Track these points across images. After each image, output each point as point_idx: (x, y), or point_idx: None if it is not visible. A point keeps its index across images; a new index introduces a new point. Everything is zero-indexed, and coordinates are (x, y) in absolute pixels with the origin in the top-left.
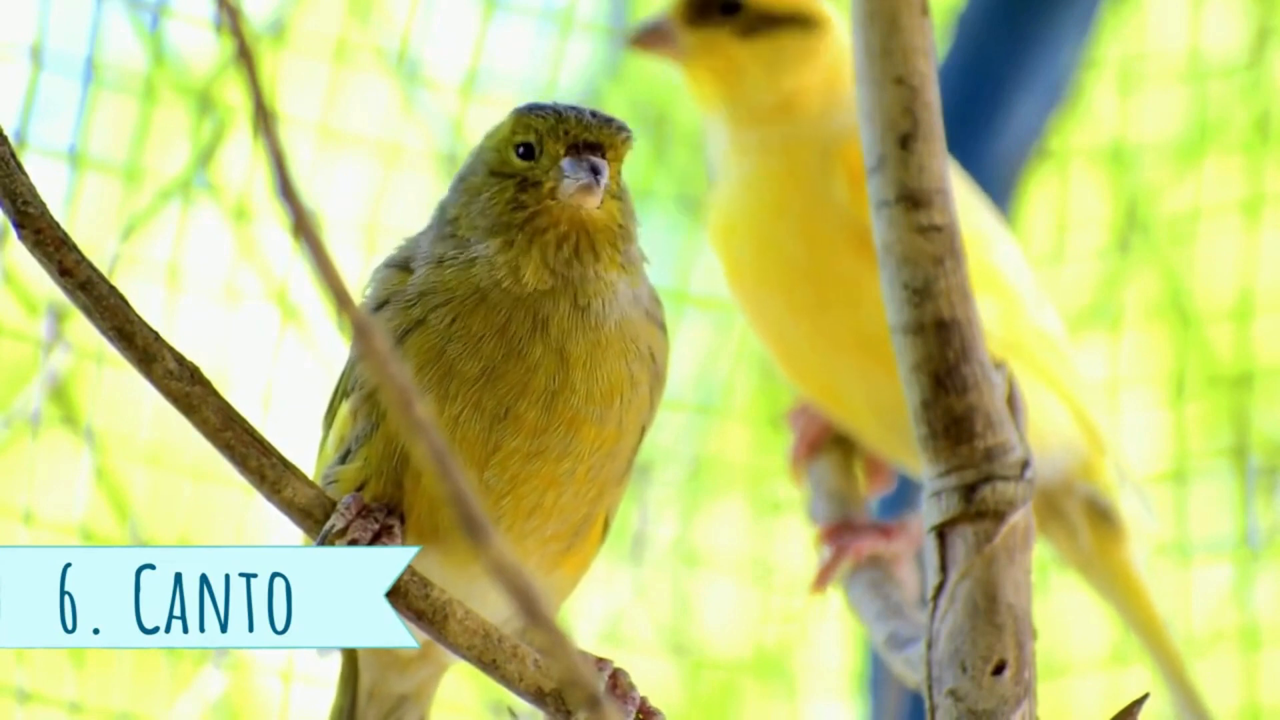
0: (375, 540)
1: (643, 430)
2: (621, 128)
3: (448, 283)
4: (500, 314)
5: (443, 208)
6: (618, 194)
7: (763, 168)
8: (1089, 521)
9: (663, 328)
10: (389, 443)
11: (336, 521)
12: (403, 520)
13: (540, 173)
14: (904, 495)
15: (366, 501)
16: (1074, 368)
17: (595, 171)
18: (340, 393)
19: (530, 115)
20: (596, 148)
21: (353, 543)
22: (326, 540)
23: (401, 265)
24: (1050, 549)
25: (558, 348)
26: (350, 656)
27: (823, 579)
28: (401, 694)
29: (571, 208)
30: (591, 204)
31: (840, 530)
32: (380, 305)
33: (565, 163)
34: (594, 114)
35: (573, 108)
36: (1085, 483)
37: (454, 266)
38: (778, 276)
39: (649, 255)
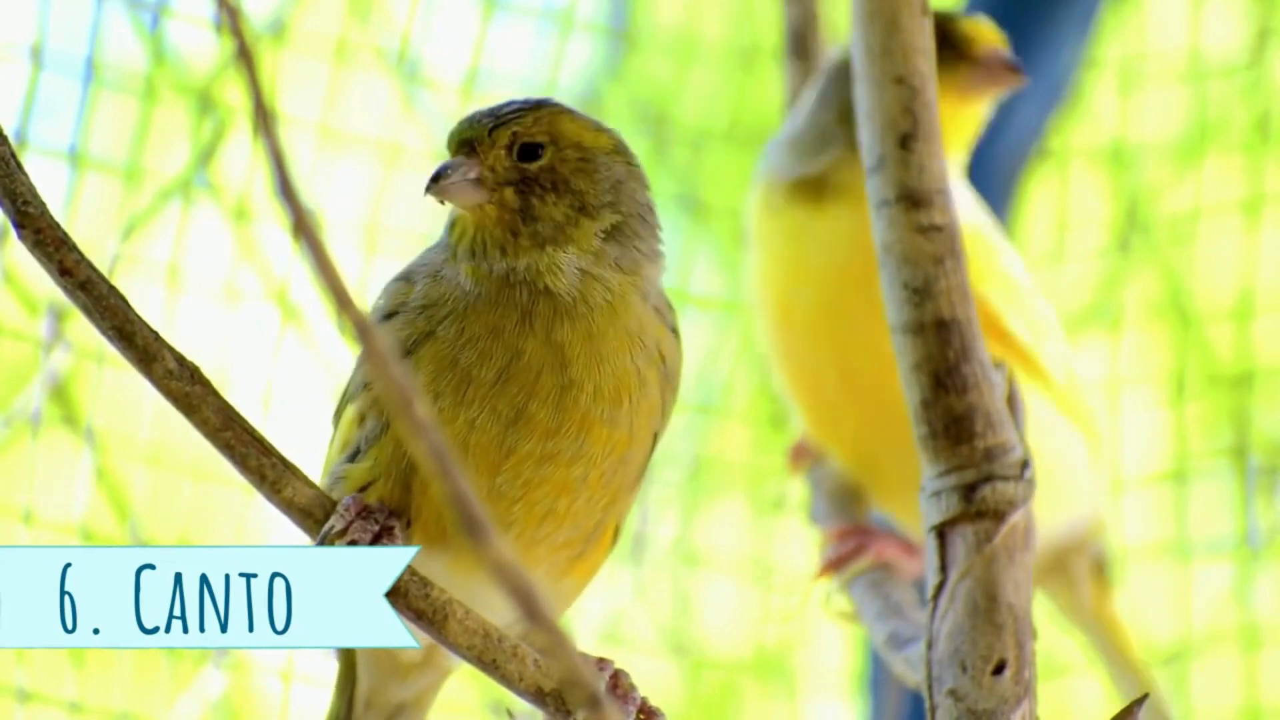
0: (375, 541)
1: (655, 437)
2: (496, 116)
3: (446, 295)
4: (492, 317)
5: None
6: (512, 180)
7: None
8: (1092, 579)
9: (675, 332)
10: (398, 445)
11: (336, 523)
12: (407, 522)
13: None
14: None
15: (368, 502)
16: (1086, 398)
17: (436, 175)
18: (347, 395)
19: None
20: (467, 144)
21: (352, 544)
22: (325, 541)
23: (406, 278)
24: (1049, 602)
25: (544, 338)
26: (348, 662)
27: (832, 566)
28: (400, 702)
29: (461, 209)
30: (461, 202)
31: (857, 531)
32: (389, 316)
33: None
34: (491, 110)
35: (485, 109)
36: (1096, 540)
37: (449, 278)
38: (838, 350)
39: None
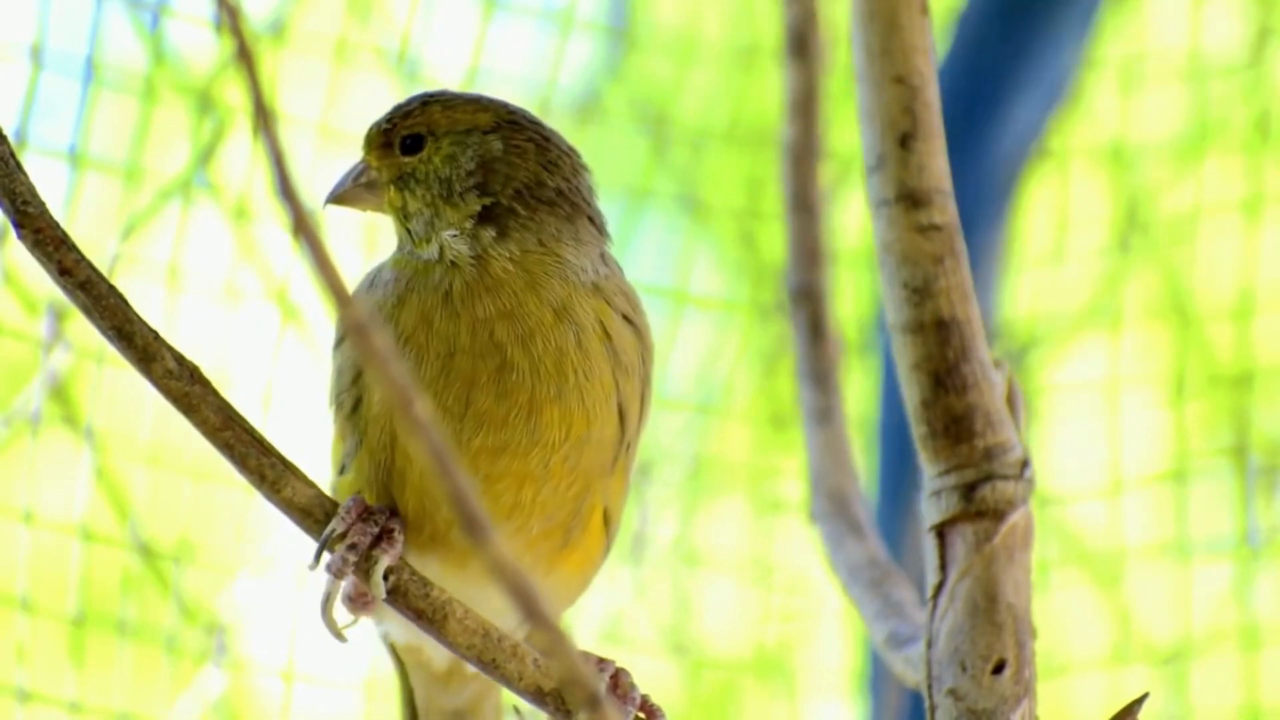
0: (376, 543)
1: (622, 417)
2: (385, 118)
3: (381, 300)
4: (417, 303)
5: None
6: (393, 177)
7: None
8: None
9: (628, 319)
10: (373, 455)
11: (336, 526)
12: (404, 523)
13: None
14: (904, 494)
15: (370, 504)
16: None
17: (334, 187)
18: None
19: None
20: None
21: (352, 547)
22: (327, 545)
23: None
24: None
25: (468, 318)
26: (403, 673)
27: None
28: (455, 709)
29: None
30: (360, 207)
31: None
32: (338, 344)
33: None
34: (386, 111)
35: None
36: None
37: (380, 283)
38: None
39: (649, 251)
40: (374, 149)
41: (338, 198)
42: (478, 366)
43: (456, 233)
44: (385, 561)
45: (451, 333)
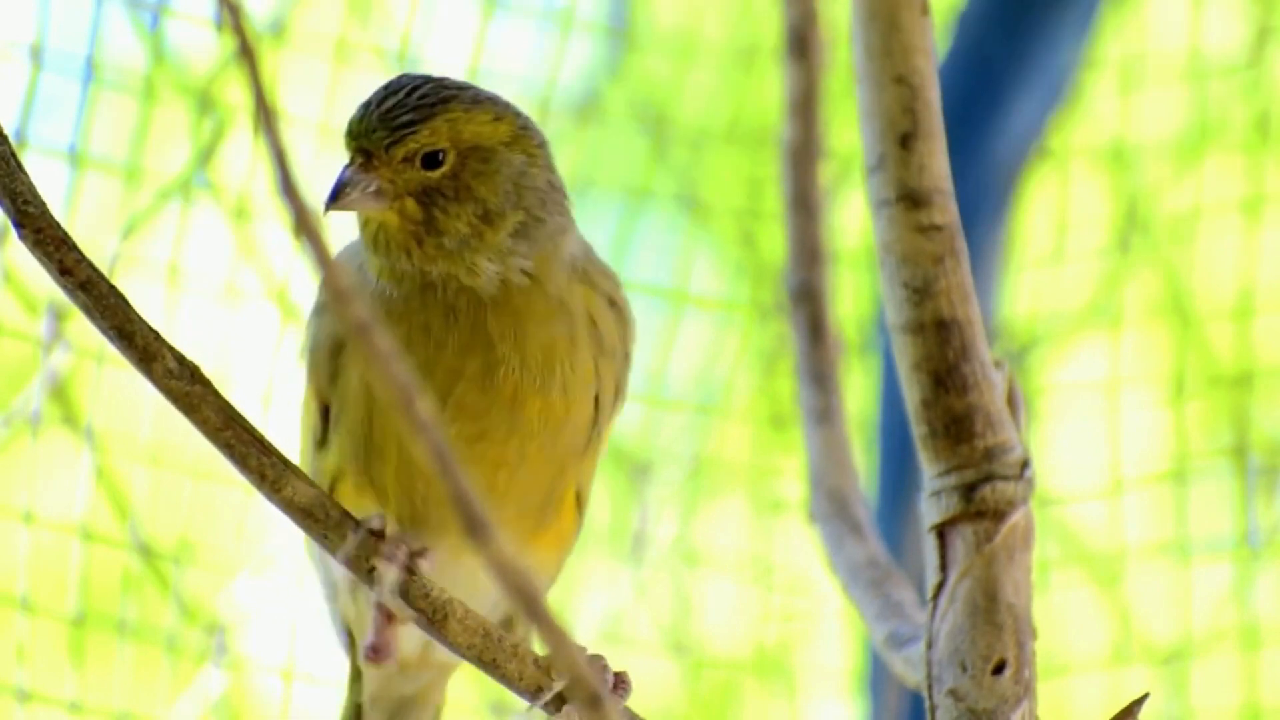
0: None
1: (598, 402)
2: (391, 125)
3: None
4: (418, 318)
5: None
6: (413, 190)
7: None
8: None
9: (614, 303)
10: (351, 433)
11: (375, 523)
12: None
13: None
14: (904, 494)
15: (389, 532)
16: None
17: (335, 193)
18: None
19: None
20: (364, 152)
21: (371, 570)
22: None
23: None
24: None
25: (469, 328)
26: (355, 660)
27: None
28: (403, 696)
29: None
30: (364, 211)
31: None
32: (321, 311)
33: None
34: (384, 110)
35: (377, 101)
36: None
37: (368, 275)
38: None
39: (649, 251)
40: (385, 162)
41: (344, 205)
42: (466, 362)
43: (491, 257)
44: (425, 567)
45: (446, 332)
